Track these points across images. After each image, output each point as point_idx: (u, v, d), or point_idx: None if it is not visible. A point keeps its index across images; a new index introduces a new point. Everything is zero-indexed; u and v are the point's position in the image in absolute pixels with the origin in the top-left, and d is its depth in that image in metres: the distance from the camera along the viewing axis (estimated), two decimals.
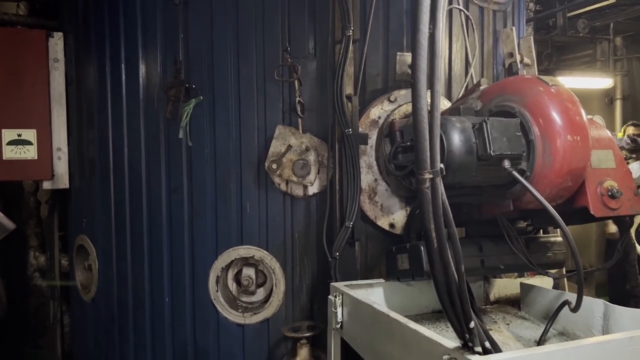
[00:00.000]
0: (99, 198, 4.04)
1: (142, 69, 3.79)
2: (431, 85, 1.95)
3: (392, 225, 3.54)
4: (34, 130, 4.20)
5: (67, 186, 4.37)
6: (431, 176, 1.89)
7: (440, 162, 1.99)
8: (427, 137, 1.88)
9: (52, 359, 4.95)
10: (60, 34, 4.36)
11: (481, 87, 2.96)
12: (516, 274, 3.67)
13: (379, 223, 3.52)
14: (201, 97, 3.59)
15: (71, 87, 4.37)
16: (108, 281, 3.99)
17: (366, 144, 3.48)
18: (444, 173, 2.05)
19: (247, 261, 3.68)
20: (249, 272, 3.66)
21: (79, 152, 4.30)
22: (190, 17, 3.61)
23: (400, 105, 3.53)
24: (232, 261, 3.64)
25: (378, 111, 3.54)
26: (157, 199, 3.75)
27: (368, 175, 3.51)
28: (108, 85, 3.95)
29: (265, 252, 3.59)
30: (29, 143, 4.18)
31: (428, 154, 1.89)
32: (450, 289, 1.93)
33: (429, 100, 1.97)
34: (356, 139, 3.36)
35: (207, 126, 3.63)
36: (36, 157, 4.22)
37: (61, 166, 4.32)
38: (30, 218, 4.96)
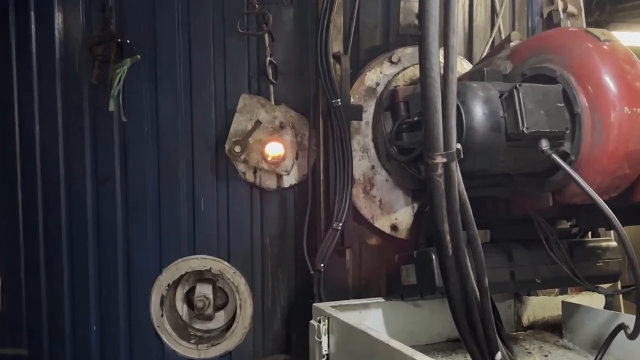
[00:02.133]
0: (0, 193, 3.97)
1: (58, 17, 3.72)
2: (445, 40, 1.94)
3: (394, 227, 3.53)
4: None
5: None
6: (445, 160, 1.88)
7: (457, 142, 1.98)
8: (439, 108, 1.87)
9: None
10: None
11: (512, 44, 2.95)
12: (557, 290, 3.69)
13: (377, 224, 3.52)
14: (138, 57, 3.53)
15: None
16: (14, 305, 3.93)
17: (360, 119, 3.47)
18: (462, 156, 2.04)
19: (201, 276, 3.65)
20: (204, 290, 3.63)
21: None
22: None
23: (405, 68, 3.51)
24: (181, 276, 3.61)
25: (376, 76, 3.51)
26: (81, 193, 3.70)
27: (363, 160, 3.50)
28: (12, 40, 3.87)
29: (226, 263, 3.56)
30: None
31: (440, 130, 1.88)
32: (470, 310, 1.92)
33: (442, 60, 1.95)
34: (347, 113, 3.35)
35: (146, 95, 3.59)
36: None
37: None
38: None
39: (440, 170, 1.93)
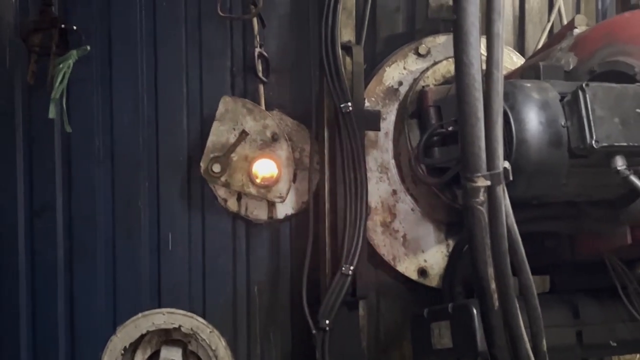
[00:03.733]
0: None
1: None
2: (488, 26, 1.94)
3: (422, 272, 3.53)
4: None
5: None
6: (488, 183, 1.88)
7: (505, 159, 1.96)
8: (480, 115, 1.86)
9: None
10: None
11: (576, 31, 2.96)
12: (638, 355, 3.67)
13: (400, 268, 3.52)
14: (88, 48, 3.55)
15: None
16: None
17: (378, 129, 3.48)
18: (511, 178, 2.04)
19: (168, 336, 3.61)
20: (171, 355, 3.60)
21: None
22: None
23: (436, 63, 3.52)
24: (142, 336, 3.56)
25: (398, 72, 3.53)
26: (10, 227, 3.69)
27: (381, 183, 3.50)
28: None
29: (200, 320, 3.53)
30: None
31: (482, 144, 1.87)
32: None
33: (484, 53, 1.94)
34: (360, 121, 3.35)
35: (98, 99, 3.60)
36: None
37: None
38: None
39: (482, 197, 1.92)
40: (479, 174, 1.92)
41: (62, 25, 3.54)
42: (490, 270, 1.90)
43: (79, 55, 3.52)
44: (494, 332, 2.00)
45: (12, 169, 3.70)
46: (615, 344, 2.91)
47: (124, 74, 3.61)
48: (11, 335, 3.70)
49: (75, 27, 3.58)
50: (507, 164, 2.00)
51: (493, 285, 1.92)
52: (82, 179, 3.64)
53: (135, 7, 3.59)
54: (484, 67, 2.05)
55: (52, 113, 3.55)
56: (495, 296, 1.92)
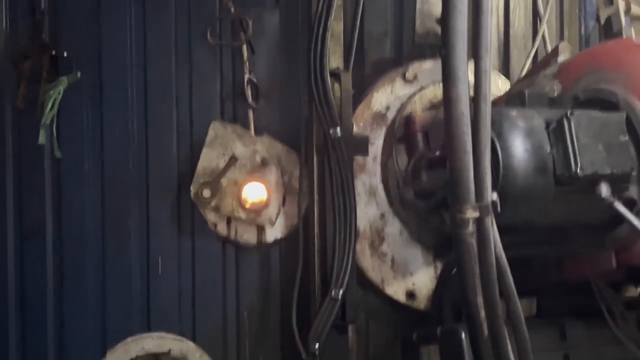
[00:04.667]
0: None
1: None
2: (476, 61, 1.97)
3: (410, 295, 3.54)
4: None
5: None
6: (477, 215, 1.90)
7: (492, 186, 1.99)
8: (468, 148, 1.89)
9: None
10: None
11: (560, 58, 3.00)
12: None
13: (389, 291, 3.53)
14: (78, 74, 3.56)
15: None
16: None
17: (366, 154, 3.50)
18: (499, 210, 2.06)
19: None
20: None
21: None
22: None
23: (423, 88, 3.55)
24: None
25: (386, 97, 3.55)
26: None
27: (370, 207, 3.52)
28: None
29: (190, 344, 3.53)
30: None
31: (471, 176, 1.89)
32: None
33: (473, 81, 1.97)
34: (349, 146, 3.37)
35: (88, 124, 3.60)
36: None
37: None
38: None
39: (471, 228, 1.95)
40: (468, 206, 1.95)
41: (53, 52, 3.55)
42: (480, 299, 1.92)
43: (69, 81, 3.53)
44: (482, 356, 2.02)
45: (1, 193, 3.68)
46: None
47: (114, 99, 3.61)
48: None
49: (65, 54, 3.58)
50: (495, 196, 2.02)
51: (482, 314, 1.94)
52: (72, 203, 3.63)
53: (125, 33, 3.60)
54: (473, 95, 2.08)
55: (42, 139, 3.55)
56: (485, 324, 1.94)
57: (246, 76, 3.53)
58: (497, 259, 1.93)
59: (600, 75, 2.75)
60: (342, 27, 3.48)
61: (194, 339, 3.55)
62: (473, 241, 1.94)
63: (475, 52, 1.96)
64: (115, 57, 3.60)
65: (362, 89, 3.58)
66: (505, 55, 3.82)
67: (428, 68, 3.57)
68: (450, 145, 1.93)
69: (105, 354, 3.57)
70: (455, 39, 1.92)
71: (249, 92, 3.55)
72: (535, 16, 3.88)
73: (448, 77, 1.93)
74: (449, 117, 1.93)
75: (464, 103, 1.92)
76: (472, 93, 2.22)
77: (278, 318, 3.60)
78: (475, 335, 1.98)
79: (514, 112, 2.56)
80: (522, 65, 3.79)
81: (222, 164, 3.48)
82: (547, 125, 2.54)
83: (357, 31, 3.53)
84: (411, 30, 3.62)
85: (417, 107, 3.50)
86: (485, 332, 1.93)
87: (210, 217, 3.57)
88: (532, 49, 3.81)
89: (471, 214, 1.92)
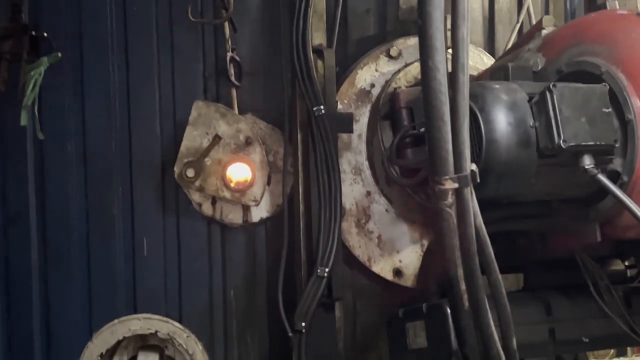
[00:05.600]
0: None
1: None
2: (453, 31, 1.96)
3: (397, 272, 3.54)
4: None
5: None
6: (456, 185, 1.89)
7: (473, 162, 1.98)
8: (446, 118, 1.88)
9: None
10: None
11: (544, 32, 2.98)
12: (612, 351, 3.69)
13: (375, 269, 3.52)
14: (59, 55, 3.54)
15: None
16: None
17: (351, 131, 3.49)
18: (478, 180, 2.06)
19: (145, 341, 3.59)
20: None
21: None
22: None
23: (407, 64, 3.54)
24: (118, 342, 3.54)
25: (370, 74, 3.54)
26: None
27: (355, 185, 3.51)
28: None
29: (177, 324, 3.51)
30: None
31: (449, 147, 1.89)
32: None
33: (450, 55, 1.96)
34: (333, 123, 3.36)
35: (70, 105, 3.59)
36: None
37: None
38: None
39: (450, 199, 1.94)
40: (447, 177, 1.94)
41: (33, 33, 3.53)
42: (460, 271, 1.92)
43: (50, 62, 3.51)
44: (464, 331, 2.03)
45: None
46: (587, 340, 2.93)
47: (96, 79, 3.59)
48: None
49: (45, 34, 3.56)
50: (474, 167, 2.02)
51: (463, 286, 1.94)
52: (55, 186, 3.62)
53: (105, 13, 3.57)
54: (450, 69, 2.07)
55: (23, 120, 3.53)
56: (465, 296, 1.93)
57: (229, 54, 3.52)
58: (477, 230, 1.92)
59: (583, 47, 2.75)
60: (324, 3, 3.47)
61: (180, 320, 3.54)
62: (453, 212, 1.93)
63: (453, 20, 1.95)
64: (95, 36, 3.59)
65: (345, 66, 3.57)
66: (490, 31, 3.81)
67: (412, 44, 3.55)
68: (428, 116, 1.92)
69: (92, 335, 3.55)
70: (431, 7, 1.91)
71: (231, 71, 3.53)
72: None
73: (425, 46, 1.92)
74: (427, 87, 1.93)
75: (442, 72, 1.91)
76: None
77: (264, 297, 3.61)
78: (456, 309, 1.98)
79: (496, 86, 2.56)
80: (507, 40, 3.78)
81: (205, 143, 3.47)
82: (530, 98, 2.54)
83: (340, 7, 3.52)
84: (395, 6, 3.61)
85: (402, 84, 3.49)
86: (466, 304, 1.93)
87: (195, 197, 3.57)
88: (517, 23, 3.80)
89: (450, 185, 1.92)
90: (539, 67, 2.85)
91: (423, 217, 3.53)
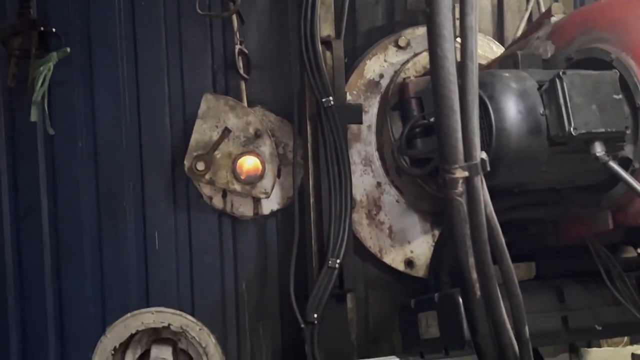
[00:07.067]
0: None
1: None
2: (461, 18, 1.95)
3: (409, 263, 3.55)
4: None
5: None
6: (466, 174, 1.88)
7: (482, 150, 1.98)
8: (456, 106, 1.87)
9: None
10: None
11: (553, 19, 2.97)
12: (625, 338, 3.69)
13: (387, 259, 3.54)
14: (68, 50, 3.55)
15: None
16: None
17: (360, 122, 3.49)
18: (488, 168, 2.05)
19: (158, 335, 3.61)
20: (162, 353, 3.59)
21: None
22: None
23: (416, 54, 3.54)
24: (131, 336, 3.56)
25: (379, 65, 3.54)
26: None
27: (365, 176, 3.52)
28: None
29: (189, 318, 3.53)
30: None
31: (459, 135, 1.88)
32: None
33: (459, 43, 1.96)
34: (342, 115, 3.36)
35: (79, 100, 3.60)
36: None
37: None
38: None
39: (460, 188, 1.93)
40: (457, 166, 1.94)
41: (42, 28, 3.54)
42: (471, 260, 1.91)
43: (59, 57, 3.52)
44: (476, 320, 2.02)
45: None
46: (600, 328, 2.91)
47: (105, 74, 3.61)
48: (0, 339, 3.70)
49: (54, 30, 3.57)
50: (484, 155, 2.01)
51: (474, 275, 1.93)
52: (66, 181, 3.64)
53: (114, 8, 3.58)
54: (460, 57, 2.06)
55: (33, 116, 3.55)
56: (477, 285, 1.93)
57: (237, 47, 3.52)
58: (487, 219, 1.92)
59: (593, 34, 2.72)
60: None
61: (193, 313, 3.55)
62: (463, 201, 1.92)
63: (461, 8, 1.94)
64: (104, 31, 3.60)
65: (354, 57, 3.58)
66: (499, 19, 3.80)
67: (421, 34, 3.55)
68: (437, 105, 1.92)
69: (105, 330, 3.57)
70: None
71: (240, 63, 3.54)
72: None
73: (433, 34, 1.91)
74: (436, 76, 1.92)
75: (450, 60, 1.90)
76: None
77: (276, 289, 3.62)
78: (467, 298, 1.97)
79: (506, 74, 2.54)
80: (516, 28, 3.76)
81: (215, 136, 3.48)
82: (540, 86, 2.52)
83: None
84: None
85: (411, 74, 3.49)
86: (478, 293, 1.92)
87: (205, 190, 3.58)
88: (526, 11, 3.77)
89: (460, 173, 1.91)
90: (549, 55, 2.83)
91: (434, 207, 3.54)
